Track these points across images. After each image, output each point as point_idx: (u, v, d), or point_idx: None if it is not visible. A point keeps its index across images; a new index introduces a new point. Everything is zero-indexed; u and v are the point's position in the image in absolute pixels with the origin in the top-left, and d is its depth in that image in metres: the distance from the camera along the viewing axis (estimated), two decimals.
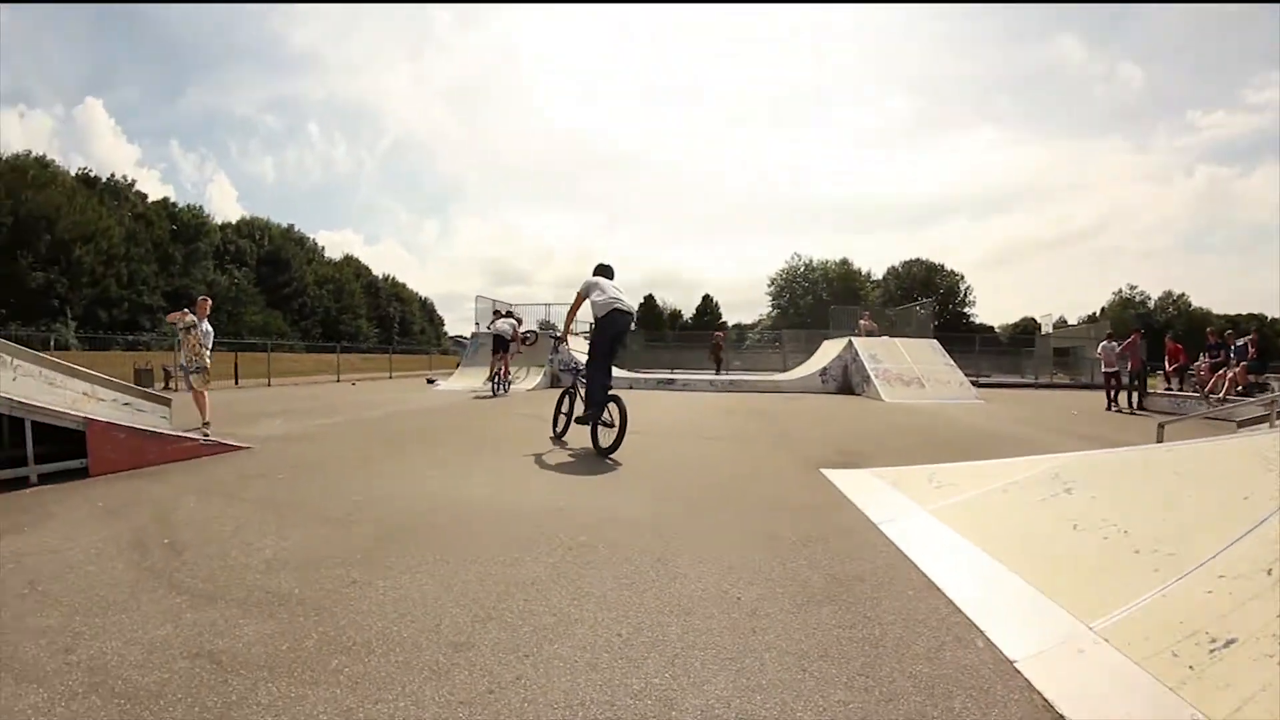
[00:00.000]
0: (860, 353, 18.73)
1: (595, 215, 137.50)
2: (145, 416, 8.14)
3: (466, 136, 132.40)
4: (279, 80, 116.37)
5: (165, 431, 6.54)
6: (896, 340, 20.15)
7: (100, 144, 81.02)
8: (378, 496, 5.12)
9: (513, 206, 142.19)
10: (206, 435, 7.56)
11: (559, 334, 10.77)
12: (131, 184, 58.41)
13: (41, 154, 51.73)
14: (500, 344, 15.88)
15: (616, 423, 7.01)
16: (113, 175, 57.70)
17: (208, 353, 8.98)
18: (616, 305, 7.09)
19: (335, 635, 2.69)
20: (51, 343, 28.82)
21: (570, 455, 7.17)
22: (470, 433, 9.31)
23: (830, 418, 11.98)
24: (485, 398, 15.35)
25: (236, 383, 21.55)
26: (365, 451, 7.38)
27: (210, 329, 9.08)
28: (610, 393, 7.16)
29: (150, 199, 58.97)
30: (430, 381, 22.26)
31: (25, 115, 75.10)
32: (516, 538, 4.04)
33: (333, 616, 2.87)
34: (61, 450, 5.70)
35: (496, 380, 16.03)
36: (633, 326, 7.92)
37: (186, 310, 8.91)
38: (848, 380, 19.17)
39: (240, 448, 7.12)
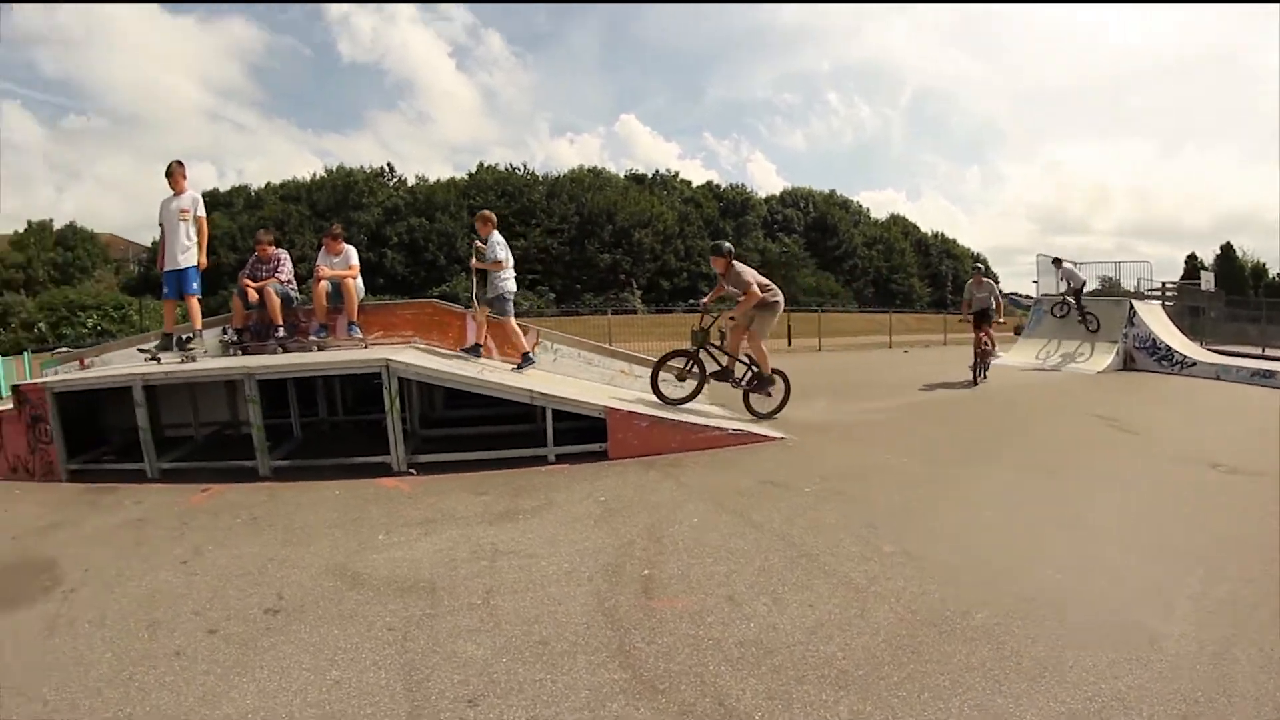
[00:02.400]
0: None
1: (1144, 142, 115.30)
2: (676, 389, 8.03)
3: (985, 72, 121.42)
4: (782, 60, 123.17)
5: (687, 420, 6.44)
6: None
7: (641, 148, 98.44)
8: (915, 551, 3.80)
9: (1050, 141, 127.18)
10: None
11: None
12: (675, 175, 68.45)
13: (593, 165, 65.57)
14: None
15: None
16: (657, 170, 68.66)
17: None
18: None
19: None
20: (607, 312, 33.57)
21: None
22: (1036, 438, 7.24)
23: None
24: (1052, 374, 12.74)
25: (789, 344, 22.16)
26: (913, 460, 5.90)
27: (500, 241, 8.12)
28: None
29: (696, 184, 68.06)
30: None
31: (574, 141, 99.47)
32: None
33: None
34: (592, 428, 6.15)
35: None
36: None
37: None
38: None
39: (772, 438, 6.53)
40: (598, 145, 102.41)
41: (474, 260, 7.92)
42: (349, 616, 3.29)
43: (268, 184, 59.20)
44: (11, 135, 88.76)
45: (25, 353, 24.29)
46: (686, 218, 60.65)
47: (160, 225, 7.40)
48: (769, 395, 7.69)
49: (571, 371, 8.00)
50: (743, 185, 69.28)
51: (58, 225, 54.14)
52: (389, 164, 61.91)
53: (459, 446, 6.27)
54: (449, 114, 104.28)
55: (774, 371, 7.66)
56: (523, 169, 61.87)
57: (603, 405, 6.07)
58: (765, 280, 7.58)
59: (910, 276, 67.59)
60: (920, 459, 5.84)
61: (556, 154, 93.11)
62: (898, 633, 2.88)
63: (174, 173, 7.37)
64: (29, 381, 7.26)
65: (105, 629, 3.21)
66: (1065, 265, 14.77)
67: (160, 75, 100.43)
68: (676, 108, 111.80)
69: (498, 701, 2.50)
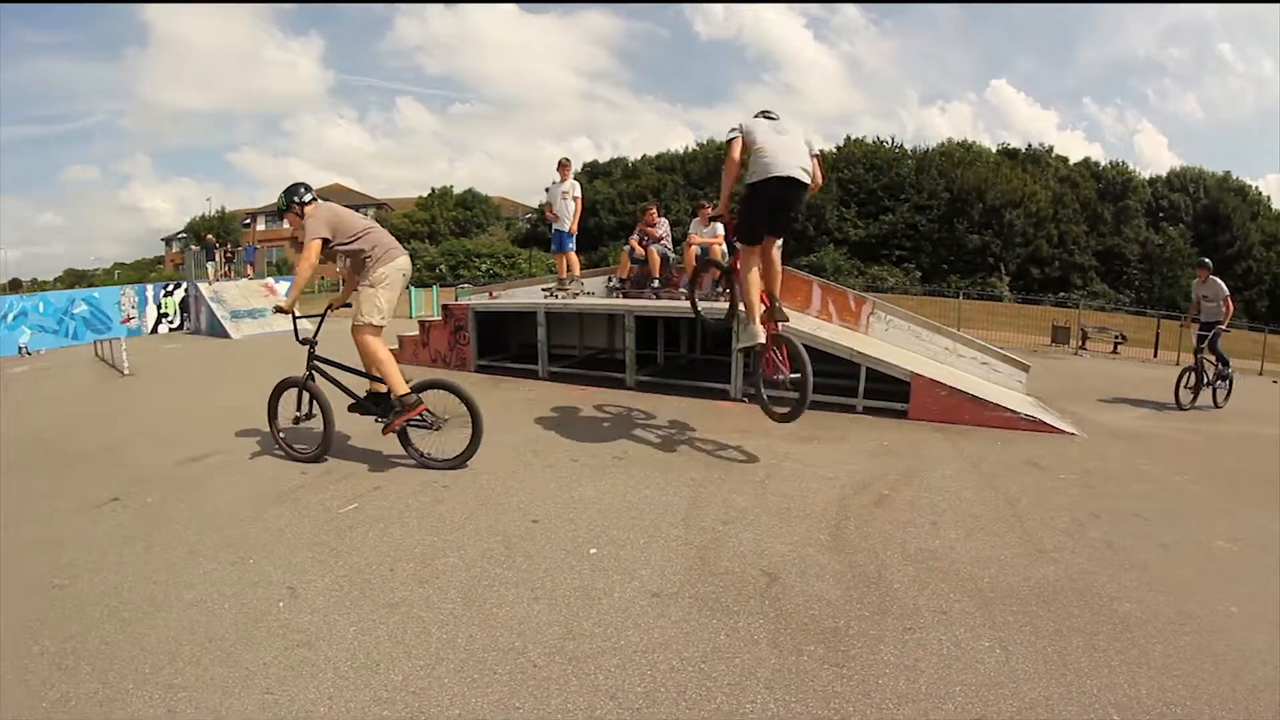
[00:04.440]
0: None
1: None
2: (999, 376, 8.85)
3: None
4: (1163, 11, 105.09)
5: (985, 398, 7.12)
6: None
7: (1017, 117, 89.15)
8: (1119, 544, 4.10)
9: None
10: None
11: None
12: (1049, 150, 61.84)
13: (964, 138, 61.82)
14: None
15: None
16: (1029, 144, 62.40)
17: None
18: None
19: None
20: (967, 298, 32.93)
21: None
22: None
23: None
24: None
25: (1155, 354, 20.35)
26: (1195, 483, 5.62)
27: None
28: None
29: (1072, 161, 61.18)
30: None
31: (944, 109, 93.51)
32: None
33: None
34: (901, 390, 7.27)
35: None
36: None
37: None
38: None
39: (1063, 431, 6.90)
40: (969, 114, 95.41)
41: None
42: (666, 468, 5.32)
43: (644, 155, 66.10)
44: (409, 123, 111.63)
45: (434, 287, 31.74)
46: (1061, 199, 55.66)
47: (549, 201, 10.68)
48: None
49: (900, 343, 9.10)
50: (1124, 163, 60.75)
51: (456, 191, 67.99)
52: None
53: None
54: (814, 85, 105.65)
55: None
56: (890, 142, 61.12)
57: (911, 371, 7.13)
58: None
59: None
60: (1206, 484, 5.58)
61: (929, 123, 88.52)
62: (1047, 587, 3.47)
63: (563, 165, 10.50)
64: (457, 302, 10.85)
65: (504, 452, 5.61)
66: None
67: (532, 65, 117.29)
68: (1048, 70, 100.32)
69: (740, 529, 4.11)
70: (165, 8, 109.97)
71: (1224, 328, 10.04)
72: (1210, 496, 5.20)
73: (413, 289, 29.81)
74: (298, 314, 5.68)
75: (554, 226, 10.48)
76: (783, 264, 9.92)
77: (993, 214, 53.32)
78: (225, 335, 20.10)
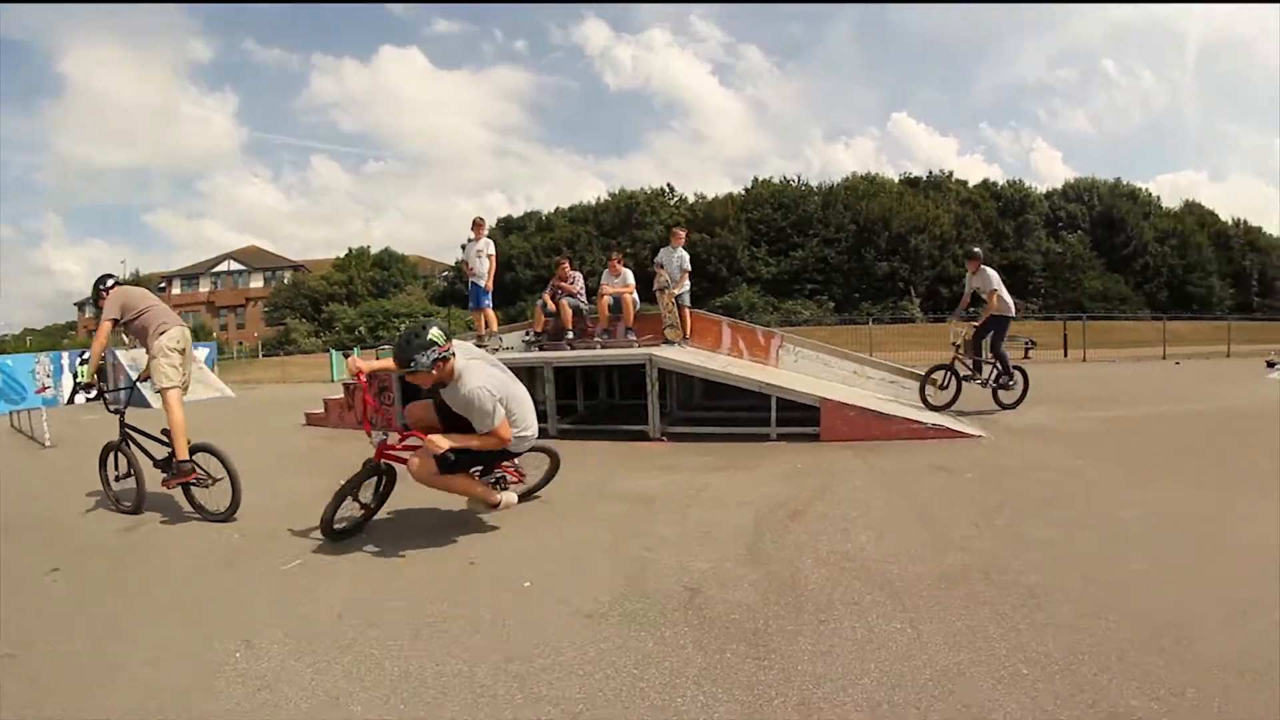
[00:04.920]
0: None
1: None
2: (909, 394, 9.50)
3: None
4: (1049, 33, 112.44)
5: (892, 414, 7.75)
6: None
7: (919, 146, 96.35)
8: (1027, 533, 4.55)
9: None
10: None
11: None
12: (949, 175, 66.50)
13: (868, 170, 66.88)
14: None
15: None
16: (930, 172, 67.27)
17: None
18: None
19: None
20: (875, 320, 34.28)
21: None
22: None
23: None
24: None
25: (1065, 354, 22.06)
26: (1094, 465, 6.36)
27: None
28: None
29: (972, 183, 65.56)
30: (1270, 364, 17.50)
31: (848, 145, 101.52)
32: None
33: None
34: (810, 417, 7.73)
35: None
36: None
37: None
38: None
39: (969, 435, 7.49)
40: (873, 147, 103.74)
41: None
42: (591, 506, 5.82)
43: (556, 208, 68.55)
44: (324, 181, 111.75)
45: (355, 349, 31.74)
46: (964, 220, 59.84)
47: (465, 259, 11.30)
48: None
49: (810, 371, 9.69)
50: (1020, 181, 65.91)
51: (373, 251, 68.42)
52: (669, 184, 67.80)
53: (706, 425, 8.32)
54: (721, 129, 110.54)
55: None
56: (796, 180, 64.59)
57: (819, 396, 7.66)
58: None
59: (1209, 275, 59.43)
60: (1103, 465, 6.35)
61: (834, 159, 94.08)
62: (956, 572, 3.90)
63: (477, 224, 11.06)
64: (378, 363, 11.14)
65: (434, 502, 5.83)
66: None
67: (444, 121, 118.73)
68: (946, 100, 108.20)
69: (663, 554, 4.53)
70: (83, 55, 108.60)
71: (980, 325, 9.88)
72: (1107, 476, 5.94)
73: (333, 351, 29.73)
74: (105, 387, 6.79)
75: (471, 282, 10.92)
76: (693, 306, 10.60)
77: (899, 241, 56.72)
78: (146, 405, 19.77)
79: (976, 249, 10.57)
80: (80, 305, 72.54)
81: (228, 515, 5.80)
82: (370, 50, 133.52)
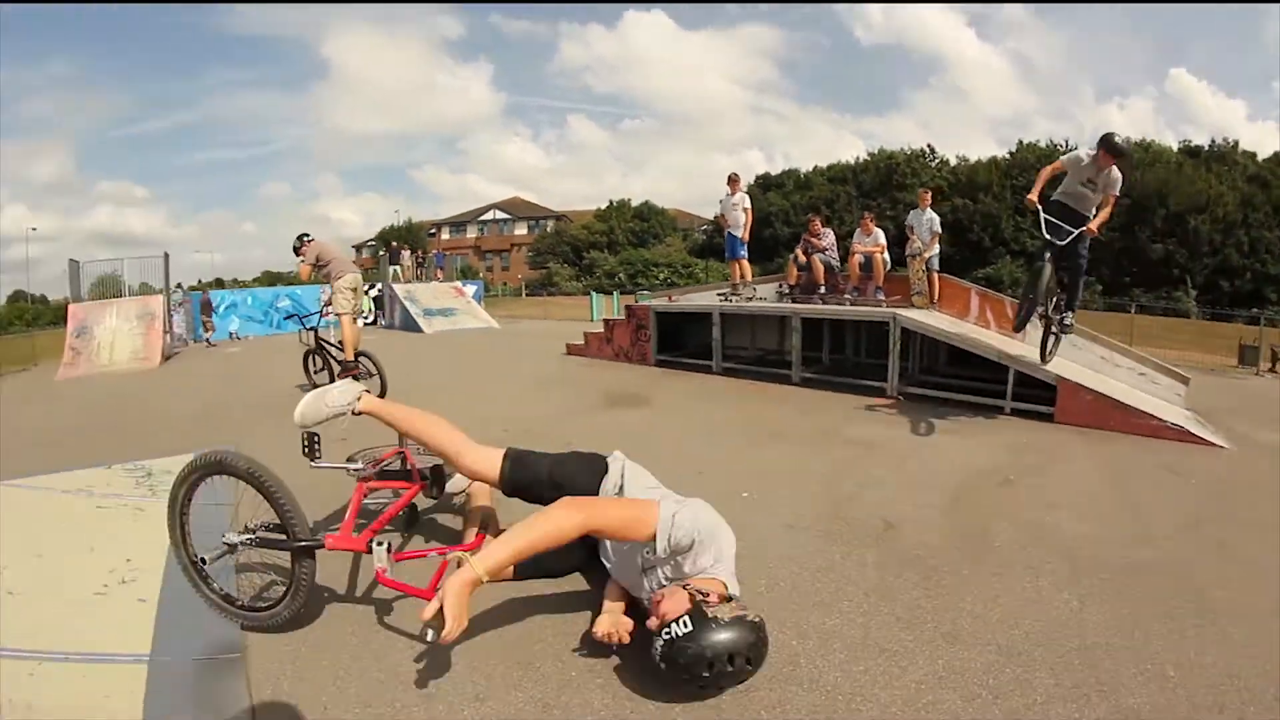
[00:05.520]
0: None
1: None
2: (1157, 389, 8.64)
3: None
4: None
5: (1132, 404, 7.05)
6: None
7: (1201, 108, 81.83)
8: (1173, 554, 3.93)
9: None
10: None
11: None
12: (1234, 145, 54.43)
13: (1144, 136, 55.72)
14: None
15: None
16: (1213, 141, 55.55)
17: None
18: None
19: None
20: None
21: None
22: None
23: None
24: None
25: None
26: None
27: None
28: None
29: (1261, 156, 53.04)
30: None
31: (1122, 105, 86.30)
32: None
33: None
34: (1047, 395, 7.39)
35: None
36: None
37: None
38: None
39: (1212, 444, 6.42)
40: (1149, 109, 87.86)
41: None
42: (817, 444, 6.32)
43: (814, 167, 65.81)
44: (581, 139, 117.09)
45: (614, 294, 33.79)
46: (1250, 201, 48.28)
47: (722, 213, 11.72)
48: None
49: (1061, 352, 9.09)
50: None
51: (633, 204, 70.80)
52: (929, 145, 62.76)
53: (942, 390, 8.26)
54: (983, 87, 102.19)
55: None
56: (1065, 145, 55.58)
57: (1056, 375, 7.32)
58: None
59: None
60: None
61: (1107, 122, 79.62)
62: (1143, 566, 3.67)
63: (732, 180, 11.48)
64: (639, 303, 12.26)
65: (676, 426, 6.79)
66: None
67: (695, 81, 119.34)
68: (1234, 54, 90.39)
69: (872, 491, 4.88)
70: (343, 43, 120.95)
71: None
72: None
73: (594, 294, 31.67)
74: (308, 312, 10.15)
75: (727, 233, 11.56)
76: (951, 273, 10.33)
77: (1176, 221, 48.08)
78: (418, 330, 22.01)
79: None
80: (357, 248, 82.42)
81: (380, 394, 7.63)
82: (614, 17, 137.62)
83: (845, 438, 6.52)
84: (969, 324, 9.64)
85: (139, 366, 15.63)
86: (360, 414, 3.45)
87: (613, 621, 2.73)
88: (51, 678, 2.72)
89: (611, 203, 70.96)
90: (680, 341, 11.52)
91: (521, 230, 78.94)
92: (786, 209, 58.22)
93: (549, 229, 75.58)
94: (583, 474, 3.27)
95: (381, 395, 7.65)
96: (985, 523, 4.31)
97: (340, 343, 9.06)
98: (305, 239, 9.20)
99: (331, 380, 8.47)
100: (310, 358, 9.67)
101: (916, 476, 5.27)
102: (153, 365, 15.94)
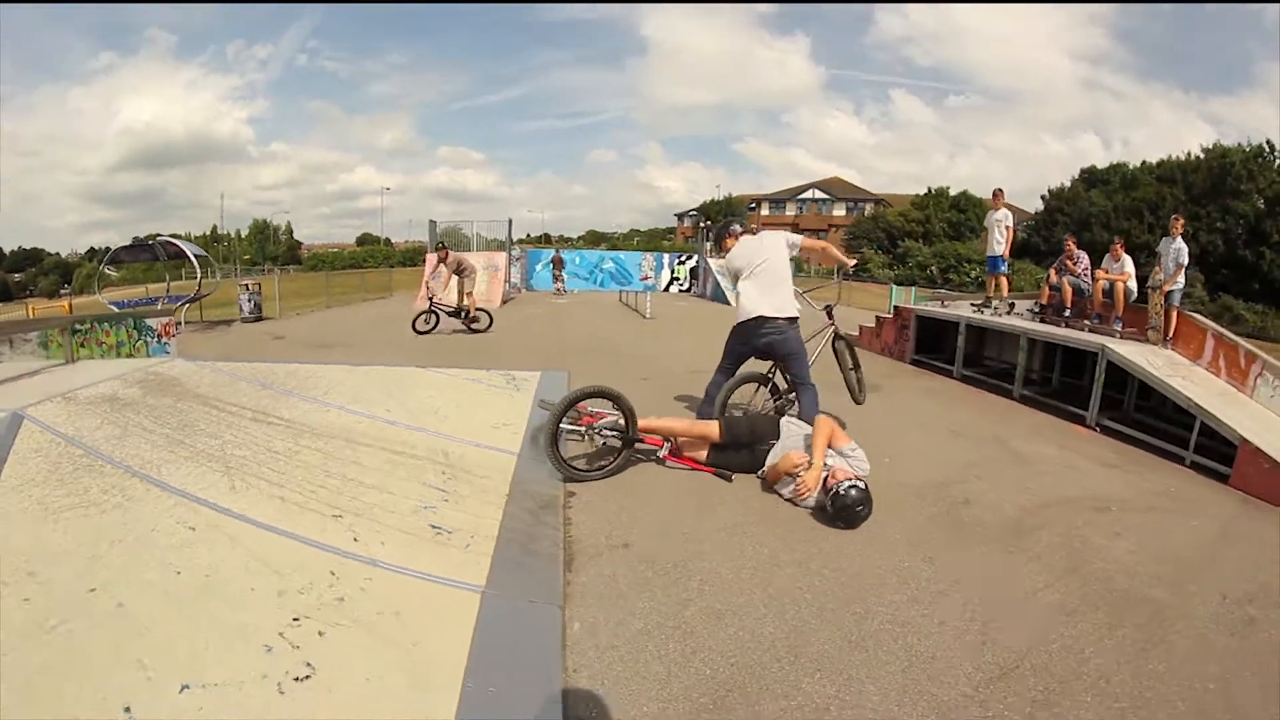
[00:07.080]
0: None
1: None
2: None
3: None
4: None
5: None
6: None
7: None
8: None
9: None
10: None
11: None
12: None
13: None
14: None
15: None
16: None
17: None
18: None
19: None
20: None
21: None
22: None
23: None
24: None
25: None
26: None
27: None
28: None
29: None
30: None
31: None
32: None
33: None
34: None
35: None
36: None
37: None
38: None
39: None
40: None
41: None
42: (970, 443, 7.66)
43: (1143, 162, 58.07)
44: (906, 116, 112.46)
45: (913, 287, 34.69)
46: None
47: (985, 227, 13.12)
48: None
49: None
50: None
51: (951, 192, 68.79)
52: (1268, 142, 50.50)
53: (1144, 430, 8.33)
54: None
55: None
56: None
57: (1240, 435, 6.79)
58: None
59: None
60: None
61: None
62: (1231, 626, 3.84)
63: (996, 195, 12.93)
64: (907, 306, 13.90)
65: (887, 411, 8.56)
66: None
67: (1023, 52, 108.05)
68: None
69: (991, 483, 6.19)
70: (660, 23, 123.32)
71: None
72: None
73: (894, 286, 32.47)
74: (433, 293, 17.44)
75: (987, 252, 13.08)
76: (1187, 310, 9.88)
77: None
78: (726, 303, 24.72)
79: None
80: (680, 216, 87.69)
81: (485, 330, 16.10)
82: None
83: (1008, 446, 7.51)
84: (1200, 369, 9.40)
85: (484, 307, 20.29)
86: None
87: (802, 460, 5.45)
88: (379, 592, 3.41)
89: (930, 190, 69.63)
90: (940, 345, 12.84)
91: (840, 211, 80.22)
92: (1108, 210, 52.72)
93: (866, 213, 75.85)
94: (769, 425, 6.02)
95: (488, 328, 16.37)
96: (1071, 544, 4.96)
97: (459, 308, 16.44)
98: (442, 245, 16.56)
99: (436, 325, 16.20)
100: (421, 317, 16.02)
101: (1042, 494, 5.96)
102: (494, 307, 21.01)
